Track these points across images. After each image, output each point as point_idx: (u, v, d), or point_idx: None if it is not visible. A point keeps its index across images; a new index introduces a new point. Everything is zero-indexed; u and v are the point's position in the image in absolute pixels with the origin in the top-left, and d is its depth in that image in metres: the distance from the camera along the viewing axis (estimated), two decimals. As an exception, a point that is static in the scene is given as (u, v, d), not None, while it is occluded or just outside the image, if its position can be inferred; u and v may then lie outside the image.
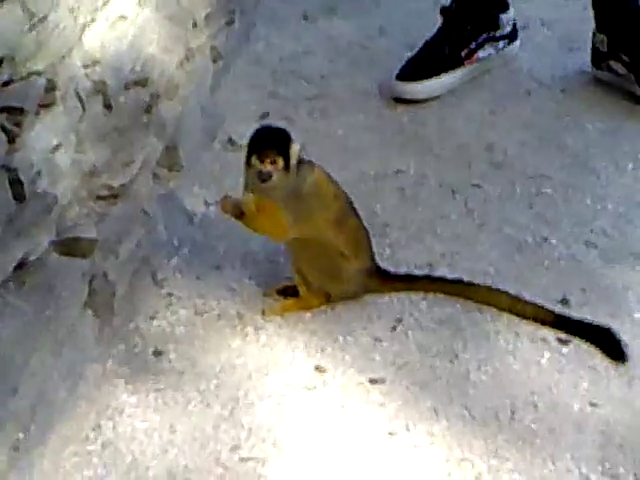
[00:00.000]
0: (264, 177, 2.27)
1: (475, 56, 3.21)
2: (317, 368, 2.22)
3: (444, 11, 3.22)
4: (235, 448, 2.04)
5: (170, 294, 2.43)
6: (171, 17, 2.77)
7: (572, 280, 2.46)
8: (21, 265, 2.07)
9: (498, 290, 2.36)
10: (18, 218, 2.05)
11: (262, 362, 2.25)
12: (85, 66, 2.38)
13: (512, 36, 3.36)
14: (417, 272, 2.48)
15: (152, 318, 2.36)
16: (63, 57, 2.26)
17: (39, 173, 2.13)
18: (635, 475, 1.99)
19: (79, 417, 2.10)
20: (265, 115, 3.05)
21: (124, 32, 2.57)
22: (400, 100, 3.18)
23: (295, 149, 2.28)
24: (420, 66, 3.10)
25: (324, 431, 2.09)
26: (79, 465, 2.00)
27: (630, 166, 2.97)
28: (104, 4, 2.48)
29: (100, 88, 2.41)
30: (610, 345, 2.20)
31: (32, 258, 2.09)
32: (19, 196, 2.05)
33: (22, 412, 1.95)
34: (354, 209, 2.39)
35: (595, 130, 3.07)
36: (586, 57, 3.38)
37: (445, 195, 2.84)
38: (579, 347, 2.25)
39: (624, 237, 2.65)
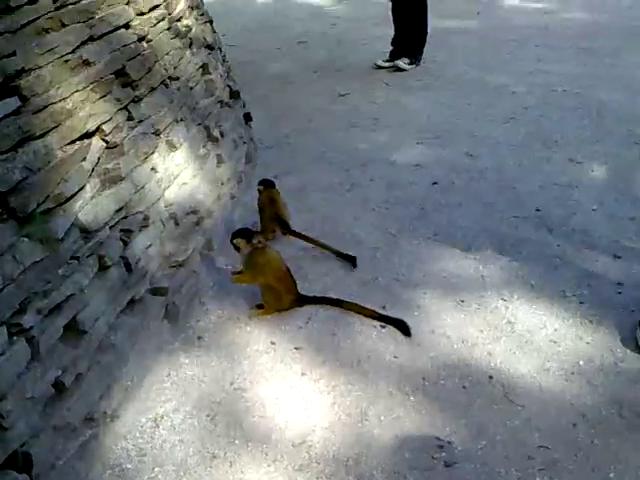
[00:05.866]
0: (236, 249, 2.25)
1: None
2: (271, 342, 2.13)
3: None
4: (232, 383, 1.97)
5: (207, 309, 2.30)
6: (209, 181, 2.65)
7: (388, 298, 2.27)
8: (132, 300, 2.00)
9: (354, 303, 2.21)
10: (128, 280, 2.01)
11: (248, 340, 2.14)
12: (166, 206, 2.29)
13: None
14: (317, 295, 2.28)
15: (198, 321, 2.25)
16: (153, 204, 2.20)
17: (139, 259, 2.07)
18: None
19: (159, 369, 2.05)
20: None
21: (186, 190, 2.44)
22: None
23: (254, 240, 2.20)
24: None
25: (275, 370, 2.01)
26: (159, 393, 1.97)
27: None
28: (175, 177, 2.38)
29: (173, 216, 2.32)
30: (403, 328, 2.13)
31: (137, 297, 2.02)
32: (128, 270, 2.01)
33: (133, 367, 1.95)
34: (289, 271, 2.26)
35: None
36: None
37: (344, 267, 2.46)
38: (390, 329, 2.13)
39: (413, 278, 2.35)
